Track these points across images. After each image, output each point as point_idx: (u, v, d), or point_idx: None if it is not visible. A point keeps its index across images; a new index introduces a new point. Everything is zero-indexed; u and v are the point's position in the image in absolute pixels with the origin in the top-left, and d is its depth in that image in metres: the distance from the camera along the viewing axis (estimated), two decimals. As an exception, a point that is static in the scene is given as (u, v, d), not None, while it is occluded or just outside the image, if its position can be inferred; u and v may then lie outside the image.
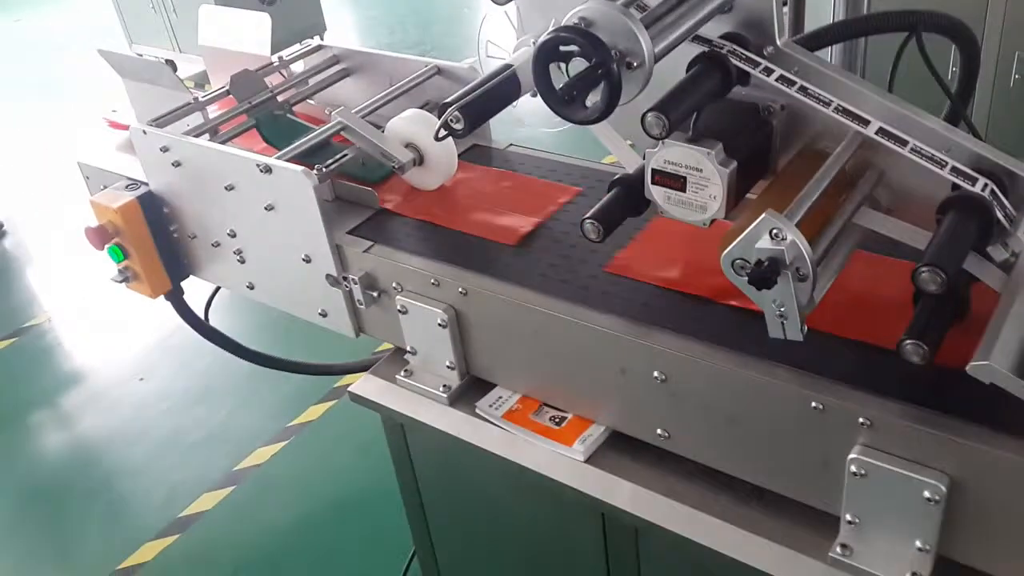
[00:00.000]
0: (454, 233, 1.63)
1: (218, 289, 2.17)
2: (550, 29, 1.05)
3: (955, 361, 1.08)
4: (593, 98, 1.08)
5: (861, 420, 1.15)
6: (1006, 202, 1.14)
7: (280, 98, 1.96)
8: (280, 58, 2.01)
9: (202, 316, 2.17)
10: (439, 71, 1.88)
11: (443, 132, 1.34)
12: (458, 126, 1.33)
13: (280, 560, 2.76)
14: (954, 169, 1.14)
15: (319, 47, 2.07)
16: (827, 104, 1.21)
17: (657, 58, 1.07)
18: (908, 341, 1.09)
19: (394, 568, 2.42)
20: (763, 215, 1.09)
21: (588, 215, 1.29)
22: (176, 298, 2.04)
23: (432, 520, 1.88)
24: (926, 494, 1.12)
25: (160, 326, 3.93)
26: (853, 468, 1.17)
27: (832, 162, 1.21)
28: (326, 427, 3.27)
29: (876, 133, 1.19)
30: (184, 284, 2.00)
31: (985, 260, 1.16)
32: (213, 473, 3.11)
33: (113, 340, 4.00)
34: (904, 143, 1.18)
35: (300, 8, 6.28)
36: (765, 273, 1.08)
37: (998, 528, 1.12)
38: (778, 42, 1.26)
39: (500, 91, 1.38)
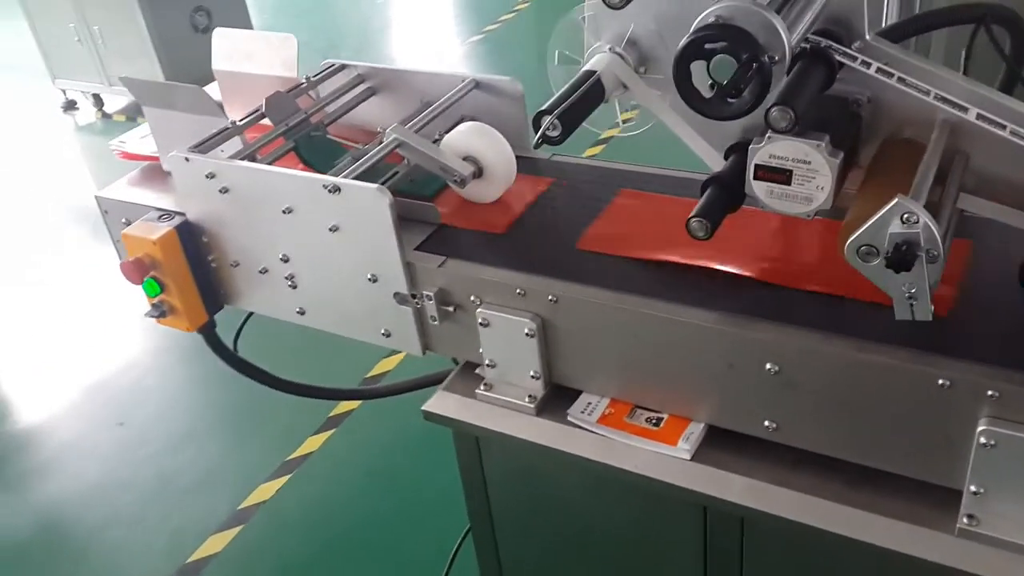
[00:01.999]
0: (526, 242, 1.63)
1: (248, 318, 2.11)
2: (693, 29, 1.07)
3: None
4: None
5: (990, 392, 1.20)
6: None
7: (313, 119, 1.92)
8: (308, 79, 1.98)
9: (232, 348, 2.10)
10: (478, 85, 1.88)
11: (540, 140, 1.35)
12: (555, 133, 1.34)
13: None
14: (1054, 148, 1.20)
15: (343, 66, 2.04)
16: (927, 93, 1.26)
17: (792, 52, 1.10)
18: (1035, 313, 1.14)
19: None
20: (895, 200, 1.13)
21: (693, 213, 1.31)
22: (209, 332, 1.97)
23: (501, 536, 1.86)
24: (1057, 458, 1.17)
25: (132, 365, 3.78)
26: (983, 439, 1.21)
27: (934, 148, 1.26)
28: (328, 457, 3.19)
29: (976, 118, 1.24)
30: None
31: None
32: (217, 514, 2.99)
33: (81, 385, 3.82)
34: (1003, 127, 1.24)
35: (232, 34, 6.15)
36: (905, 256, 1.12)
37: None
38: (867, 36, 1.31)
39: (588, 97, 1.39)
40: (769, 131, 1.23)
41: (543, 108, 1.35)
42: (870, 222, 1.16)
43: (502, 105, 1.87)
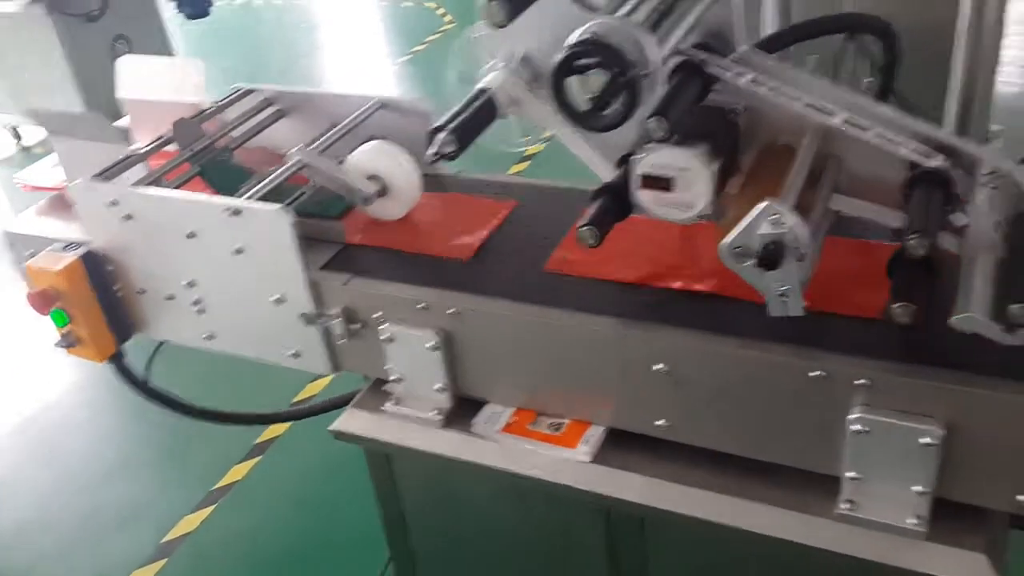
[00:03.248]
0: (427, 257, 1.67)
1: (159, 347, 2.10)
2: (566, 46, 1.12)
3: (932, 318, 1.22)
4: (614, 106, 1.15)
5: (860, 382, 1.27)
6: (958, 174, 1.29)
7: (219, 144, 1.93)
8: (213, 104, 1.99)
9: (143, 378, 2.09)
10: (384, 105, 1.92)
11: (435, 156, 1.38)
12: (450, 149, 1.38)
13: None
14: (914, 148, 1.29)
15: (249, 91, 2.06)
16: (797, 100, 1.34)
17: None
18: (896, 304, 1.21)
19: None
20: (764, 203, 1.20)
21: (583, 222, 1.36)
22: (119, 362, 1.96)
23: (419, 549, 1.87)
24: (926, 440, 1.24)
25: (55, 402, 3.70)
26: (855, 427, 1.28)
27: (805, 153, 1.33)
28: (254, 485, 3.16)
29: (843, 123, 1.32)
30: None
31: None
32: (142, 549, 2.94)
33: (9, 423, 3.71)
34: (868, 129, 1.32)
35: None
36: (773, 255, 1.18)
37: (986, 463, 1.26)
38: (742, 48, 1.38)
39: (482, 114, 1.43)
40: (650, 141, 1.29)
41: (436, 125, 1.39)
42: (742, 225, 1.22)
43: (409, 124, 1.90)
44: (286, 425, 3.34)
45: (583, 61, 1.13)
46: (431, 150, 1.37)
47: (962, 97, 1.64)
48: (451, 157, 1.38)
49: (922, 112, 1.32)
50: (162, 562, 2.89)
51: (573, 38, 1.14)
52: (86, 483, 3.29)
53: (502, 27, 1.17)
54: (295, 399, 3.49)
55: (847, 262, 1.49)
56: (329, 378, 3.51)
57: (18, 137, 6.62)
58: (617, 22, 1.13)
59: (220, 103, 2.02)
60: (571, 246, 1.59)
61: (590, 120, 1.16)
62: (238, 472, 3.23)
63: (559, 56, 1.13)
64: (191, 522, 3.03)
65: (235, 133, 2.00)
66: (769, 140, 1.44)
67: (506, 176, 1.95)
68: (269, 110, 2.04)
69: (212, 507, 3.09)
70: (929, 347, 1.28)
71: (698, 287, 1.48)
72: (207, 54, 8.03)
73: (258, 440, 3.33)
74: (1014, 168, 1.33)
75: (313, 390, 3.54)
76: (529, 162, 4.86)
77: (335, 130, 1.84)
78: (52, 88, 5.93)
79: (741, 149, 1.45)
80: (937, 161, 1.26)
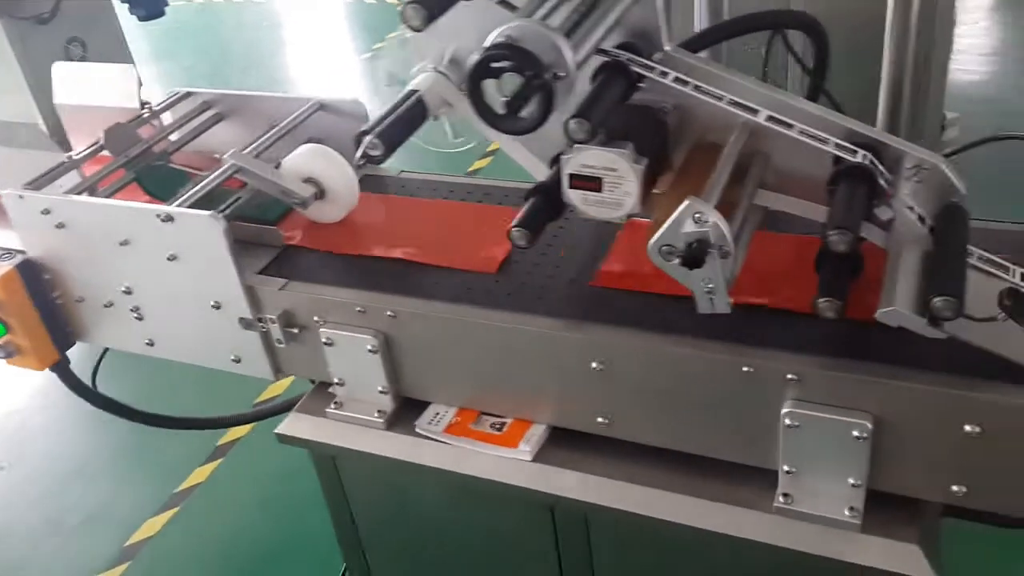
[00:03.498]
0: (367, 260, 1.66)
1: (105, 353, 2.08)
2: (482, 49, 1.11)
3: (860, 313, 1.23)
4: (529, 109, 1.15)
5: (789, 376, 1.27)
6: (882, 168, 1.29)
7: (156, 149, 1.91)
8: (150, 108, 1.96)
9: (90, 384, 2.07)
10: (322, 106, 1.90)
11: (362, 159, 1.37)
12: (376, 152, 1.36)
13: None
14: (837, 144, 1.29)
15: (188, 94, 2.03)
16: (720, 99, 1.33)
17: (578, 67, 1.16)
18: (822, 299, 1.22)
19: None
20: (686, 202, 1.20)
21: (514, 223, 1.35)
22: (63, 369, 1.93)
23: (370, 552, 1.87)
24: (855, 433, 1.25)
25: (16, 408, 3.66)
26: (787, 421, 1.29)
27: (730, 150, 1.33)
28: (216, 487, 3.14)
29: (766, 120, 1.32)
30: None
31: (866, 222, 1.32)
32: (103, 553, 2.92)
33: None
34: (791, 126, 1.32)
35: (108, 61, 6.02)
36: (696, 253, 1.18)
37: (918, 455, 1.27)
38: (666, 48, 1.38)
39: (410, 116, 1.42)
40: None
41: (363, 128, 1.38)
42: (667, 223, 1.22)
43: (347, 125, 1.88)
44: (249, 427, 3.32)
45: (498, 64, 1.12)
46: (358, 153, 1.35)
47: (891, 90, 1.65)
48: (378, 161, 1.36)
49: (843, 109, 1.32)
50: (124, 566, 2.87)
51: (488, 41, 1.13)
52: (48, 487, 3.26)
53: (419, 31, 1.15)
54: (258, 399, 3.47)
55: (786, 258, 1.50)
56: (291, 379, 3.51)
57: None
58: (533, 25, 1.12)
59: (157, 107, 1.99)
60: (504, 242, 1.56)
61: (507, 123, 1.15)
62: (201, 474, 3.21)
63: (474, 59, 1.12)
64: (153, 525, 3.02)
65: (173, 137, 1.97)
66: (699, 138, 1.44)
67: (454, 176, 1.93)
68: (208, 113, 2.02)
69: (175, 510, 3.07)
70: (860, 341, 1.29)
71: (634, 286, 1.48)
72: (167, 54, 7.99)
73: (220, 442, 3.31)
74: (941, 161, 1.34)
75: (276, 390, 3.52)
76: (491, 158, 4.84)
77: (271, 132, 1.82)
78: (4, 91, 5.83)
79: (672, 147, 1.45)
80: (859, 157, 1.27)
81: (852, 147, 1.29)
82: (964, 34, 5.85)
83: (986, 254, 1.32)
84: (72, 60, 5.87)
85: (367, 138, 1.36)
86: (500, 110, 1.17)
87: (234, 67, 7.50)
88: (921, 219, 1.29)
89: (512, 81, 1.18)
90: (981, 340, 1.20)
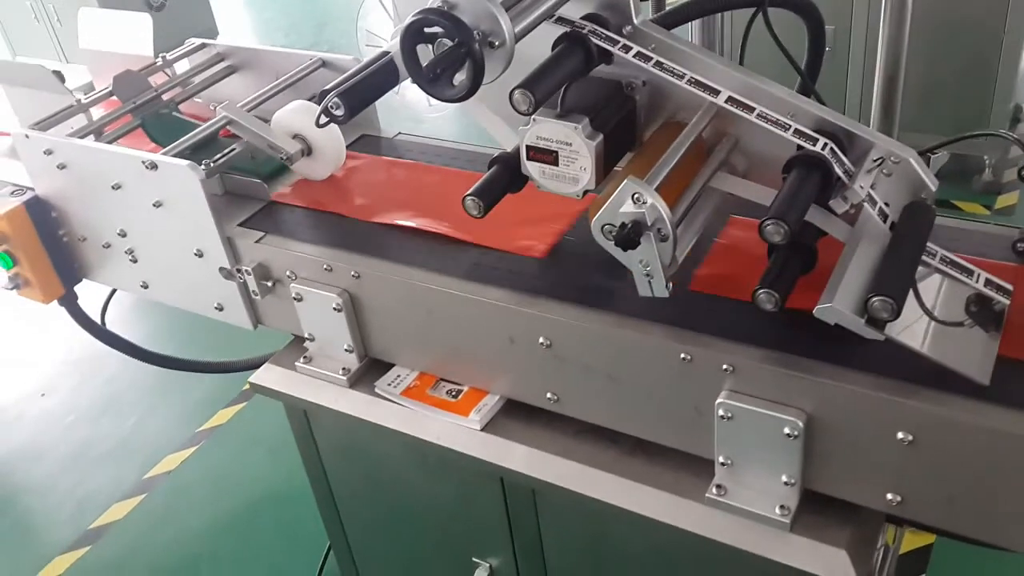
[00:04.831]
0: (345, 220, 1.68)
1: (113, 292, 2.16)
2: (414, 12, 1.11)
3: (806, 306, 1.19)
4: (460, 77, 1.14)
5: (725, 367, 1.25)
6: (845, 159, 1.24)
7: (165, 97, 1.96)
8: (163, 58, 2.01)
9: (99, 320, 2.15)
10: (324, 64, 1.92)
11: (324, 119, 1.38)
12: (338, 112, 1.37)
13: (197, 563, 2.75)
14: (796, 131, 1.24)
15: (202, 45, 2.08)
16: (680, 77, 1.30)
17: (518, 37, 1.14)
18: (761, 290, 1.18)
19: (311, 563, 2.45)
20: (625, 182, 1.18)
21: (470, 192, 1.35)
22: (71, 303, 2.02)
23: (342, 505, 1.92)
24: (786, 431, 1.22)
25: (60, 340, 3.83)
26: (721, 412, 1.26)
27: (688, 131, 1.30)
28: (236, 430, 3.25)
29: (726, 101, 1.28)
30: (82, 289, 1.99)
31: (830, 214, 1.27)
32: (123, 484, 3.05)
33: (10, 357, 3.88)
34: (751, 109, 1.28)
35: (190, 12, 6.17)
36: (629, 235, 1.16)
37: (853, 459, 1.23)
38: (635, 21, 1.35)
39: (378, 77, 1.42)
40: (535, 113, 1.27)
41: (327, 87, 1.39)
42: (608, 202, 1.20)
43: (349, 84, 1.90)
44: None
45: (431, 30, 1.11)
46: (318, 111, 1.36)
47: (885, 81, 1.57)
48: (340, 121, 1.37)
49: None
50: (141, 497, 3.00)
51: (426, 5, 1.13)
52: (81, 417, 3.42)
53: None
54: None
55: (751, 244, 1.46)
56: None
57: (62, 80, 6.80)
58: (471, -9, 1.11)
59: (172, 57, 2.04)
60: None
61: (438, 89, 1.14)
62: (223, 416, 3.32)
63: (406, 21, 1.12)
64: (172, 461, 3.14)
65: (186, 87, 2.02)
66: (669, 116, 1.40)
67: (451, 141, 1.93)
68: (221, 65, 2.06)
69: (195, 448, 3.19)
70: (808, 337, 1.24)
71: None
72: (249, 4, 8.10)
73: (245, 387, 3.40)
74: (911, 155, 1.28)
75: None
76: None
77: (271, 87, 1.85)
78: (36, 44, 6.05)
79: (642, 124, 1.42)
80: (819, 146, 1.22)
81: (814, 135, 1.24)
82: None
83: (950, 255, 1.27)
84: (152, 7, 6.08)
85: (329, 97, 1.37)
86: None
87: (312, 21, 7.59)
88: (883, 215, 1.24)
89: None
90: (919, 345, 1.15)
